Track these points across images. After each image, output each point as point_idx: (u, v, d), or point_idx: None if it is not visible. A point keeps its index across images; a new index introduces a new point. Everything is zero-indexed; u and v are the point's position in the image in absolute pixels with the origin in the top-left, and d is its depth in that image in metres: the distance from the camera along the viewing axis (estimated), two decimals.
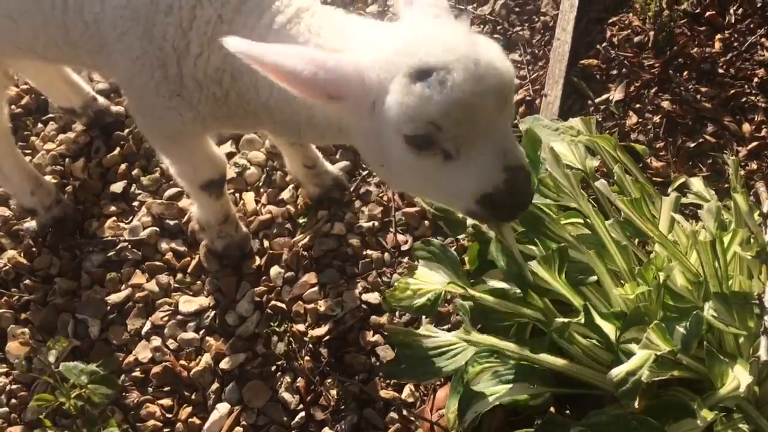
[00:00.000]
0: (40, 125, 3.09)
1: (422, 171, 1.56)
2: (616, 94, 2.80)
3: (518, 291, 1.88)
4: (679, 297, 1.79)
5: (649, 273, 1.72)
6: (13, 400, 2.43)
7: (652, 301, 1.76)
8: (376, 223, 2.67)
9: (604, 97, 2.82)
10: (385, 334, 2.42)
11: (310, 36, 1.74)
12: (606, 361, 1.94)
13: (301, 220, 2.72)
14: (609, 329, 1.74)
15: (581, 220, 2.00)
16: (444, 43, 1.49)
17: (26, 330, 2.55)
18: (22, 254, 2.72)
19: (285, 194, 2.78)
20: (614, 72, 2.88)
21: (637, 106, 2.76)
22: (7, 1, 1.93)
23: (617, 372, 1.51)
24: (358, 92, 1.55)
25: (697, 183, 2.19)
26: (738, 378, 1.54)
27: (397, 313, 2.47)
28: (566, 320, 1.69)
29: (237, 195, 2.81)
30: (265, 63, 1.51)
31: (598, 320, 1.72)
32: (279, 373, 2.39)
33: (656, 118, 2.70)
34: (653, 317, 1.76)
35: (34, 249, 2.74)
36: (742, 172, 2.52)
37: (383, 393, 2.30)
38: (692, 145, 2.63)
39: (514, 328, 2.05)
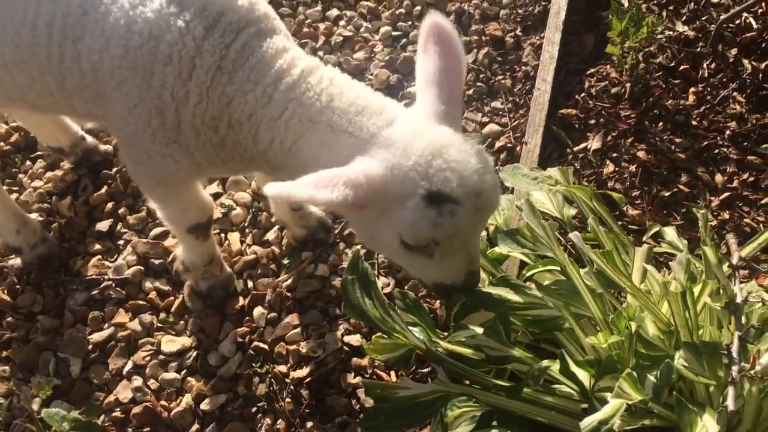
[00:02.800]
0: (28, 163, 3.13)
1: (406, 258, 1.84)
2: (594, 143, 2.89)
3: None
4: (651, 345, 1.84)
5: (622, 322, 1.77)
6: None
7: (624, 350, 1.80)
8: None
9: (582, 145, 2.90)
10: (366, 376, 2.44)
11: (323, 109, 1.82)
12: (578, 408, 1.99)
13: (285, 261, 2.76)
14: (583, 377, 1.78)
15: (558, 268, 2.06)
16: (459, 175, 1.65)
17: (7, 368, 2.55)
18: (5, 291, 2.73)
19: (270, 235, 2.83)
20: (592, 121, 2.97)
21: (614, 155, 2.84)
22: (1, 52, 1.96)
23: (590, 421, 1.55)
24: (379, 201, 1.68)
25: (670, 232, 2.25)
26: (707, 427, 1.58)
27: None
28: (542, 366, 1.73)
29: (222, 235, 2.85)
30: (300, 199, 1.68)
31: (573, 367, 1.76)
32: (259, 414, 2.40)
33: (632, 167, 2.79)
34: (626, 365, 1.81)
35: (18, 286, 2.75)
36: (714, 222, 2.60)
37: None
38: (667, 194, 2.71)
39: (492, 372, 2.09)
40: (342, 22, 3.52)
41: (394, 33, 3.43)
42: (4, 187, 2.77)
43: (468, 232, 1.74)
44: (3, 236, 2.68)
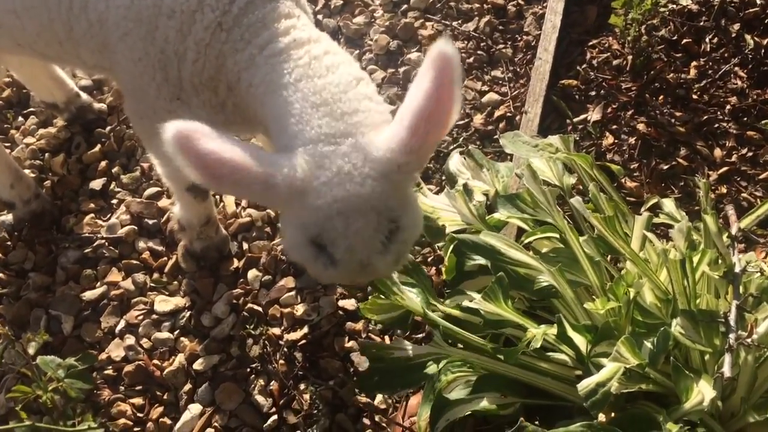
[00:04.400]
0: (20, 119, 3.08)
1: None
2: (594, 114, 2.88)
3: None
4: (647, 313, 1.85)
5: (620, 289, 1.77)
6: None
7: (621, 317, 1.81)
8: None
9: (582, 117, 2.89)
10: (360, 340, 2.44)
11: (287, 84, 1.68)
12: (572, 375, 2.00)
13: (280, 224, 2.73)
14: (580, 342, 1.79)
15: (557, 235, 2.05)
16: (349, 246, 1.57)
17: None
18: None
19: None
20: (593, 93, 2.95)
21: (614, 127, 2.83)
22: None
23: (587, 383, 1.56)
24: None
25: (668, 204, 2.25)
26: (702, 393, 1.60)
27: (372, 321, 2.49)
28: (539, 331, 1.74)
29: (218, 197, 2.82)
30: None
31: (571, 332, 1.76)
32: (253, 375, 2.40)
33: (632, 140, 2.78)
34: (622, 332, 1.82)
35: (8, 243, 2.72)
36: (712, 195, 2.60)
37: (356, 398, 2.32)
38: (665, 167, 2.70)
39: (488, 338, 2.10)
40: None
41: None
42: None
43: (347, 280, 1.79)
44: None
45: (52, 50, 2.02)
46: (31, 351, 1.41)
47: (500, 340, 2.12)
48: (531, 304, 2.13)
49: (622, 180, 2.67)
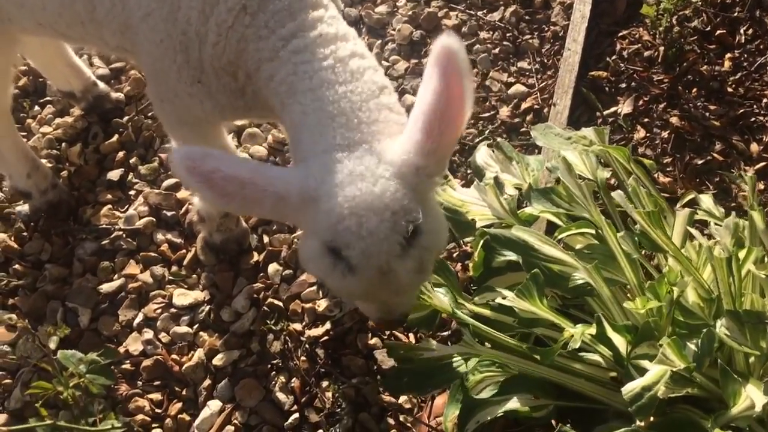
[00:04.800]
0: (37, 108, 3.02)
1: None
2: (625, 107, 2.79)
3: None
4: (689, 313, 1.77)
5: (663, 287, 1.69)
6: None
7: (662, 317, 1.73)
8: None
9: (612, 109, 2.80)
10: (384, 338, 2.38)
11: (306, 91, 1.62)
12: (606, 377, 1.92)
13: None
14: (619, 342, 1.71)
15: (592, 231, 1.97)
16: (365, 248, 1.46)
17: (14, 316, 2.47)
18: (12, 238, 2.65)
19: None
20: (623, 85, 2.87)
21: (646, 120, 2.75)
22: None
23: (632, 387, 1.48)
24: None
25: (706, 200, 2.17)
26: (751, 397, 1.52)
27: None
28: (577, 330, 1.66)
29: None
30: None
31: (610, 332, 1.68)
32: (274, 372, 2.33)
33: (664, 134, 2.69)
34: (663, 333, 1.74)
35: (25, 233, 2.67)
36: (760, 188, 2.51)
37: (380, 397, 2.26)
38: (700, 162, 2.62)
39: (517, 337, 2.02)
40: None
41: None
42: None
43: (369, 293, 1.59)
44: (12, 179, 2.59)
45: (74, 31, 1.95)
46: (51, 345, 1.35)
47: (529, 339, 2.05)
48: (564, 302, 2.05)
49: (655, 175, 2.58)
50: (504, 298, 1.80)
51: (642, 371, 1.66)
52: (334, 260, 1.50)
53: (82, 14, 1.86)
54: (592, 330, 1.70)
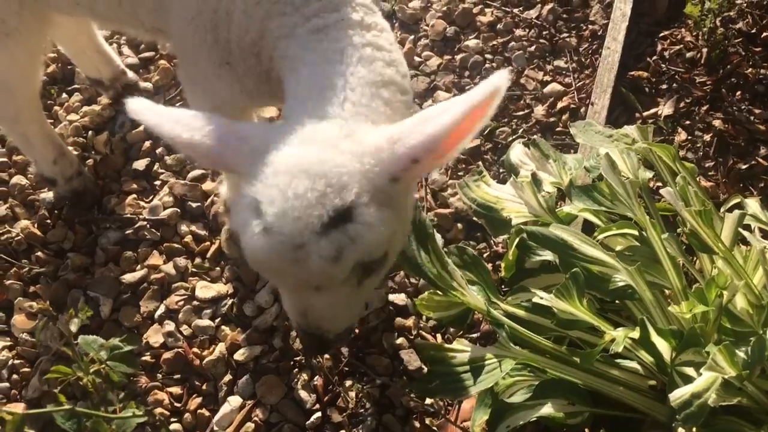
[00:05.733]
0: (64, 95, 3.00)
1: None
2: (666, 108, 2.70)
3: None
4: (736, 320, 1.68)
5: (712, 292, 1.60)
6: (15, 376, 2.32)
7: (709, 322, 1.64)
8: None
9: (652, 110, 2.71)
10: (411, 338, 2.30)
11: (316, 71, 1.54)
12: (645, 384, 1.83)
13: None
14: (663, 348, 1.62)
15: (634, 232, 1.89)
16: (281, 207, 1.35)
17: (35, 303, 2.44)
18: (35, 225, 2.62)
19: None
20: (664, 86, 2.77)
21: (687, 122, 2.65)
22: None
23: (680, 394, 1.39)
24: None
25: (753, 204, 2.07)
26: None
27: (423, 317, 2.35)
28: (620, 334, 1.58)
29: None
30: (161, 135, 1.43)
31: (654, 337, 1.60)
32: (296, 369, 2.27)
33: (707, 137, 2.59)
34: (708, 339, 1.65)
35: (48, 221, 2.63)
36: None
37: (405, 399, 2.18)
38: (743, 166, 2.52)
39: (551, 340, 1.94)
40: None
41: None
42: None
43: (278, 269, 1.42)
44: (38, 165, 2.56)
45: (111, 11, 1.92)
46: (73, 328, 1.30)
47: (563, 343, 1.97)
48: (601, 305, 1.97)
49: (697, 179, 2.48)
50: (541, 297, 1.72)
51: (686, 379, 1.57)
52: (254, 215, 1.37)
53: None
54: (635, 334, 1.62)
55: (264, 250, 1.37)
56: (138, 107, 1.42)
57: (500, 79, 1.29)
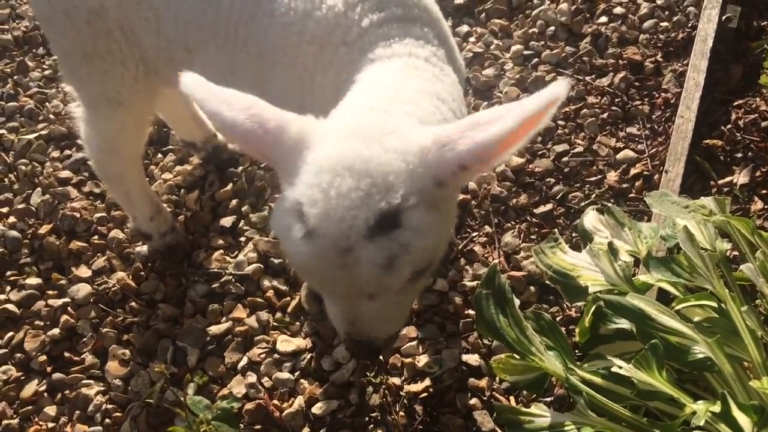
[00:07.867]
0: (159, 155, 3.22)
1: None
2: (741, 177, 2.71)
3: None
4: None
5: None
6: (107, 420, 2.46)
7: None
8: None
9: (727, 179, 2.73)
10: (484, 399, 2.35)
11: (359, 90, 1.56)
12: None
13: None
14: (745, 423, 1.63)
15: (713, 303, 1.91)
16: (324, 209, 1.31)
17: (127, 351, 2.59)
18: (130, 277, 2.80)
19: None
20: (739, 155, 2.79)
21: (764, 191, 2.66)
22: (185, 30, 1.97)
23: None
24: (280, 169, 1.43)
25: None
26: None
27: (497, 378, 2.39)
28: (701, 407, 1.59)
29: None
30: (205, 110, 1.41)
31: (735, 411, 1.61)
32: (371, 425, 2.34)
33: None
34: None
35: (142, 273, 2.81)
36: None
37: None
38: None
39: (628, 409, 1.96)
40: (472, 39, 3.48)
41: (525, 52, 3.35)
42: None
43: (325, 278, 1.38)
44: (137, 221, 2.75)
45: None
46: (190, 392, 1.41)
47: (639, 412, 1.98)
48: (679, 376, 1.97)
49: None
50: (620, 367, 1.75)
51: None
52: (296, 219, 1.32)
53: (223, 69, 1.98)
54: (716, 408, 1.63)
55: (309, 255, 1.31)
56: (191, 81, 1.41)
57: (560, 88, 1.24)
